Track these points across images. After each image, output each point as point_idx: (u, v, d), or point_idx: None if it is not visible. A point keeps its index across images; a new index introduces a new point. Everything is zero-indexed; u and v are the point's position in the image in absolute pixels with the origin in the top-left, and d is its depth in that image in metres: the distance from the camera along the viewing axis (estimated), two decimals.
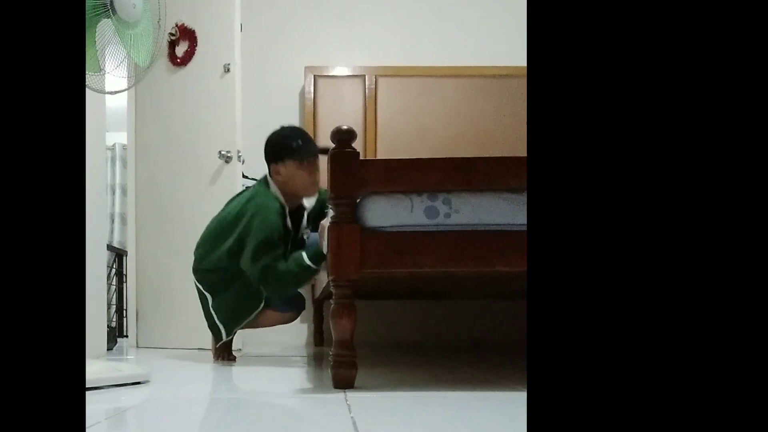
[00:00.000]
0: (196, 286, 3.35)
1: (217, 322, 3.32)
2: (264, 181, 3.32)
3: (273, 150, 3.29)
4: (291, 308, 3.44)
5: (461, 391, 2.16)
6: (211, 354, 3.49)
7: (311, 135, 4.75)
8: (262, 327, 3.49)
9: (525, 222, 2.14)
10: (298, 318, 3.56)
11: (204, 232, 3.40)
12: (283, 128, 3.36)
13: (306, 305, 3.58)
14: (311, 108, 4.84)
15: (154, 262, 4.62)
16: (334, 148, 2.22)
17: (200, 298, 3.36)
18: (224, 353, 3.42)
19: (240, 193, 3.52)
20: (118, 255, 6.05)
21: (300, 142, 3.27)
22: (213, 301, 3.30)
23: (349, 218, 2.20)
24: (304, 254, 2.94)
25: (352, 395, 2.06)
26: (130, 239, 4.84)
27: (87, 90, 2.29)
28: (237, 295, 3.27)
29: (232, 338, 3.42)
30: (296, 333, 4.82)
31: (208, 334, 3.44)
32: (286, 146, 3.26)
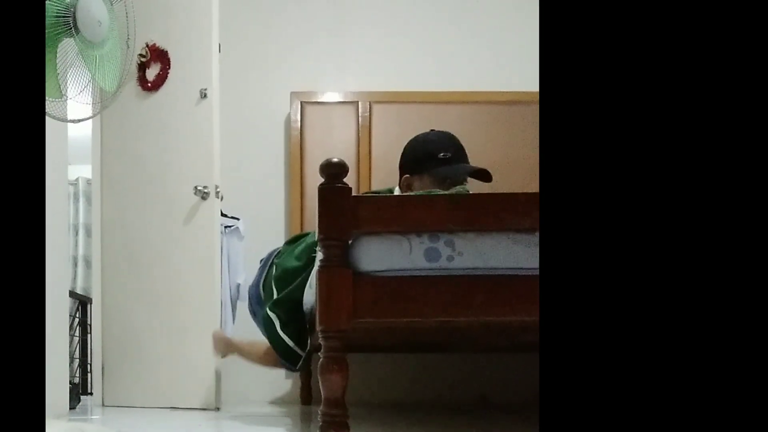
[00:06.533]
0: None
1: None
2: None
3: (411, 157, 3.01)
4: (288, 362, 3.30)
5: None
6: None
7: (302, 166, 4.76)
8: (255, 359, 3.46)
9: (537, 266, 2.13)
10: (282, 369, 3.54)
11: None
12: (432, 132, 3.10)
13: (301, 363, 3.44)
14: (298, 138, 4.85)
15: (122, 310, 4.58)
16: (323, 183, 2.22)
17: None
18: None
19: None
20: (82, 303, 6.04)
21: (449, 154, 2.95)
22: None
23: (339, 261, 2.19)
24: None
25: None
26: (95, 285, 4.80)
27: (47, 118, 2.29)
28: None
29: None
30: (281, 389, 4.78)
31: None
32: (429, 155, 2.96)
